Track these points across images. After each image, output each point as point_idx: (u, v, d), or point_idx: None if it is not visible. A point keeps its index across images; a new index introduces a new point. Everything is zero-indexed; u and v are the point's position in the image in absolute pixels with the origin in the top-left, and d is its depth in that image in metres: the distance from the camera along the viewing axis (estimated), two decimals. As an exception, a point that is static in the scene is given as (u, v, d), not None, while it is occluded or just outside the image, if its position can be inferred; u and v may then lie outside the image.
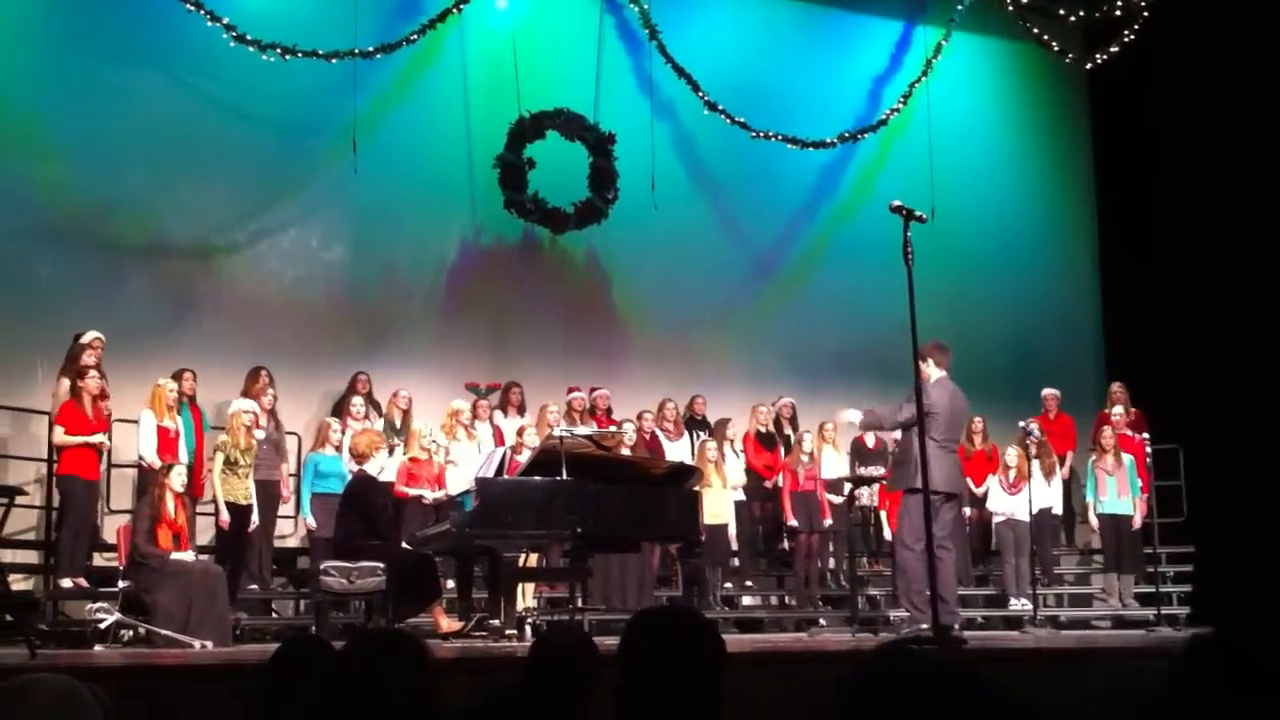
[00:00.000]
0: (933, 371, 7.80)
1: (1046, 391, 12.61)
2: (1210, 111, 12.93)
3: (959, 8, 13.97)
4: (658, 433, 11.40)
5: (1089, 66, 14.44)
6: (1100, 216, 15.05)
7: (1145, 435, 11.76)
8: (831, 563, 11.82)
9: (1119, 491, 11.33)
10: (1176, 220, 13.13)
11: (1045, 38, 14.29)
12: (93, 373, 9.23)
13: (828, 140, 13.54)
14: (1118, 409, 11.99)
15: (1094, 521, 11.60)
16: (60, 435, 9.07)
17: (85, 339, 9.53)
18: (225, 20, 10.88)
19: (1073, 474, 12.37)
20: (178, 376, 9.90)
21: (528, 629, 7.93)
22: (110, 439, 9.55)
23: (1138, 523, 11.40)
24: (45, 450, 9.68)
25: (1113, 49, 14.07)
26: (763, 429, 11.85)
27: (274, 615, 10.38)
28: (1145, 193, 13.64)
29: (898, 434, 8.51)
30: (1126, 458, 11.41)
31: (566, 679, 3.13)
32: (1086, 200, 15.18)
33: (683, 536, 8.95)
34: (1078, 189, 15.19)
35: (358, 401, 10.55)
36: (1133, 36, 13.87)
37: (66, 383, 9.34)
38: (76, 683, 2.31)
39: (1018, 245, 14.40)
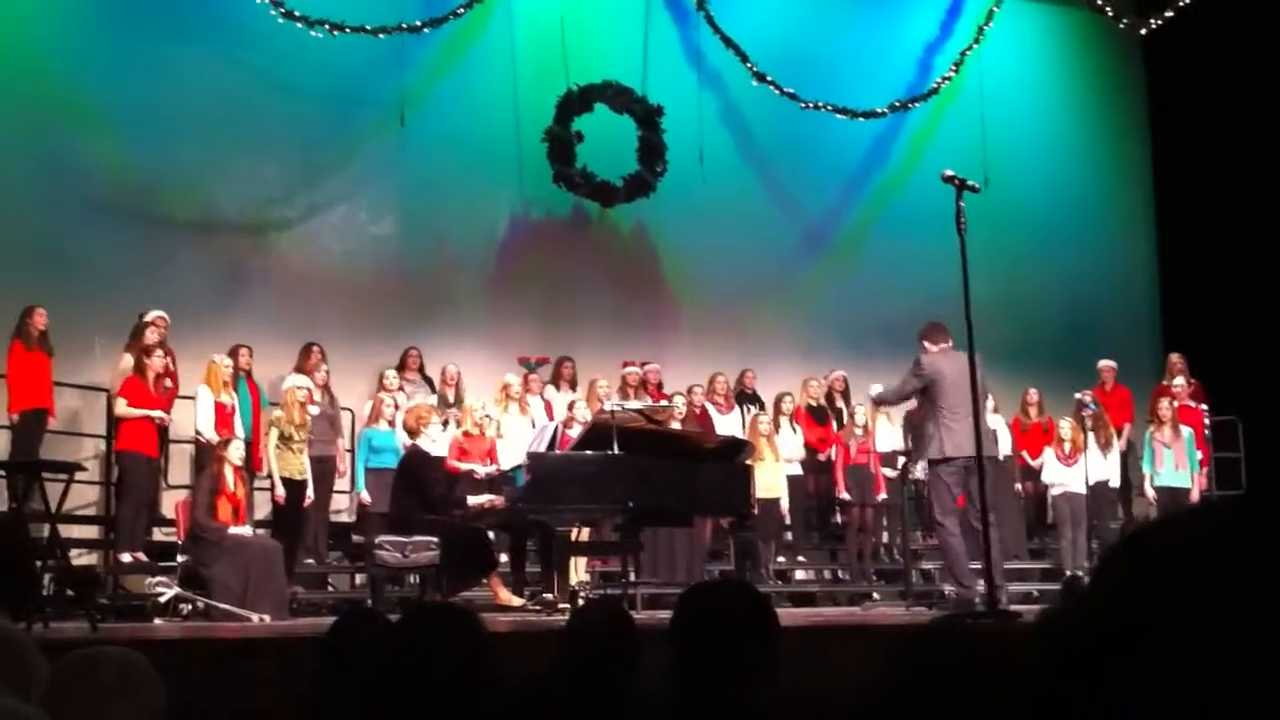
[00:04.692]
0: (930, 348, 7.97)
1: (1103, 363, 12.45)
2: (1267, 75, 12.68)
3: (1011, -27, 13.80)
4: (708, 407, 11.37)
5: (1144, 31, 14.19)
6: (1156, 185, 14.83)
7: (1204, 407, 11.60)
8: (885, 537, 11.76)
9: (1176, 464, 11.18)
10: (1234, 188, 12.91)
11: (1099, 2, 14.05)
12: (158, 352, 9.35)
13: (878, 110, 13.42)
14: (1178, 380, 11.82)
15: (1151, 494, 11.46)
16: (122, 406, 9.17)
17: (148, 317, 9.66)
18: (273, -3, 10.94)
19: (1130, 446, 12.22)
20: (234, 353, 10.00)
21: (580, 602, 7.96)
22: (170, 416, 9.68)
23: (1196, 496, 11.26)
24: (104, 426, 9.81)
25: (1168, 13, 13.82)
26: (814, 402, 11.79)
27: (330, 589, 10.47)
28: (1202, 160, 13.41)
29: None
30: (1185, 430, 11.26)
31: (604, 653, 3.13)
32: (1142, 168, 14.96)
33: (734, 510, 8.95)
34: (1133, 157, 14.97)
35: (390, 374, 10.60)
36: (1187, 0, 13.62)
37: (129, 358, 9.46)
38: (140, 656, 2.34)
39: (1072, 215, 14.21)
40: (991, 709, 1.73)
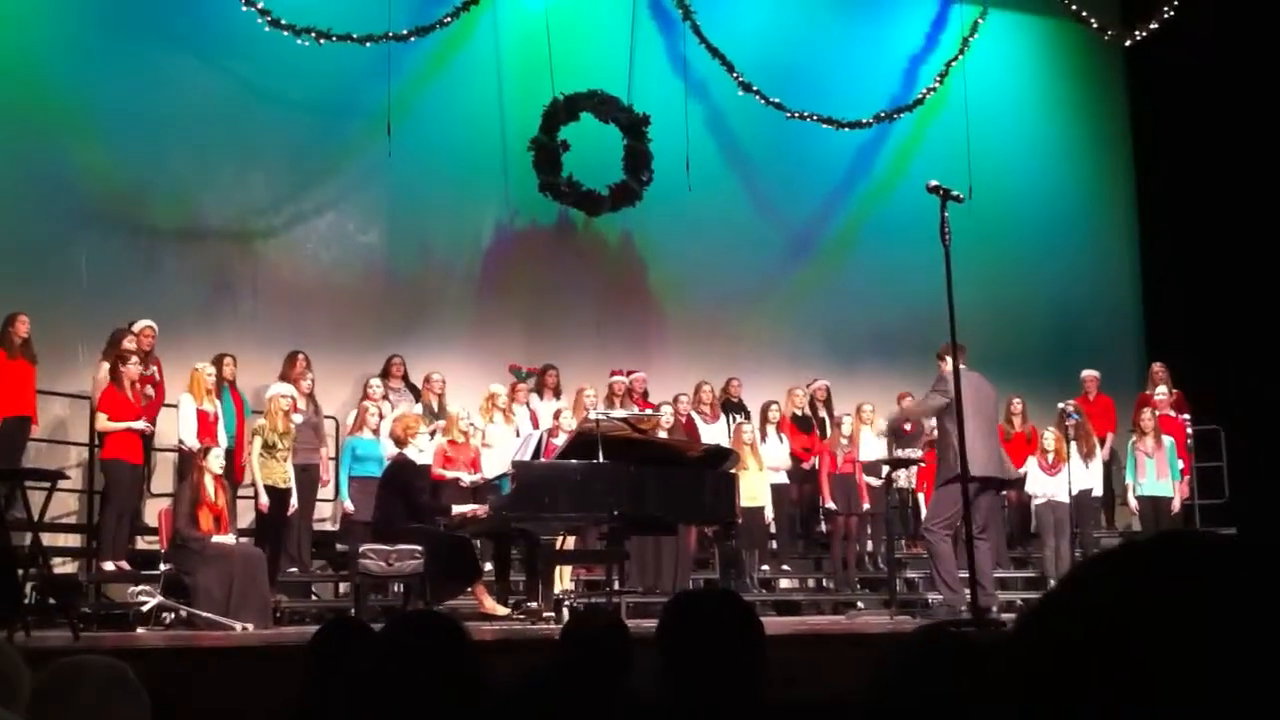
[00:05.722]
0: (949, 366, 8.00)
1: (1086, 373, 12.51)
2: (1250, 88, 12.77)
3: (996, -15, 13.88)
4: (694, 415, 11.38)
5: (1128, 43, 14.27)
6: (1140, 195, 14.90)
7: (1186, 416, 11.65)
8: (869, 545, 11.78)
9: (1158, 473, 11.22)
10: (1216, 198, 12.98)
11: (1083, 14, 14.13)
12: (134, 359, 9.31)
13: (864, 120, 13.46)
14: (1160, 389, 11.87)
15: (1133, 504, 11.51)
16: (103, 421, 9.15)
17: (137, 327, 9.65)
18: (259, 5, 10.92)
19: (1113, 455, 12.27)
20: (218, 361, 9.97)
21: (565, 611, 7.95)
22: (155, 424, 9.64)
23: (1178, 505, 11.30)
24: (87, 434, 9.78)
25: (1152, 25, 13.90)
26: (799, 411, 11.82)
27: (313, 597, 10.45)
28: (1185, 171, 13.49)
29: (933, 421, 8.67)
30: (1167, 439, 11.31)
31: (599, 659, 3.14)
32: (1126, 179, 15.03)
33: (719, 519, 8.95)
34: (1117, 167, 15.04)
35: (375, 382, 10.59)
36: (1172, 12, 13.70)
37: (106, 367, 9.43)
38: (123, 665, 2.33)
39: (1056, 225, 14.27)
40: (976, 717, 1.73)
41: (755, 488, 10.82)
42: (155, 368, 9.80)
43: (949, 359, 8.09)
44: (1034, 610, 0.86)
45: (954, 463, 7.73)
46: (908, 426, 11.53)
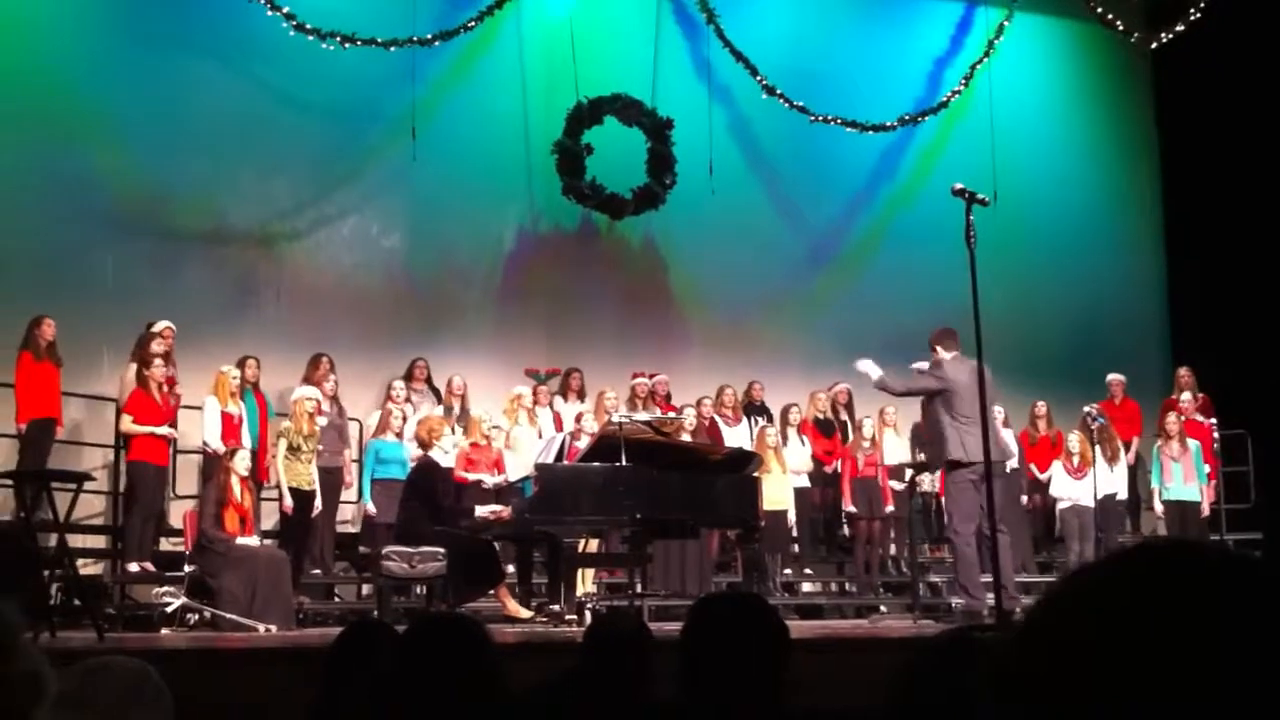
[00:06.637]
0: (943, 354, 8.00)
1: (1112, 376, 12.44)
2: (1277, 89, 12.66)
3: (1021, -13, 13.82)
4: (716, 419, 11.36)
5: (1154, 46, 14.18)
6: (1165, 198, 14.81)
7: (1213, 420, 11.58)
8: (893, 549, 11.74)
9: (1185, 478, 11.14)
10: (1242, 202, 12.88)
11: (1109, 17, 14.05)
12: (158, 360, 9.36)
13: (887, 123, 13.41)
14: (1186, 394, 11.80)
15: (1159, 508, 11.43)
16: (128, 424, 9.19)
17: (156, 328, 9.69)
18: (285, 9, 10.96)
19: (1139, 460, 12.19)
20: (241, 363, 10.02)
21: (587, 614, 7.95)
22: (176, 427, 9.68)
23: (1205, 509, 11.22)
24: (113, 436, 9.83)
25: (1178, 28, 13.82)
26: (821, 415, 11.78)
27: (336, 599, 10.48)
28: (1211, 174, 13.39)
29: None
30: (1193, 443, 11.22)
31: (622, 663, 3.13)
32: (1151, 182, 14.94)
33: (742, 522, 8.94)
34: (1143, 171, 14.95)
35: (398, 385, 10.61)
36: (1198, 15, 13.61)
37: (134, 369, 9.48)
38: (147, 666, 2.34)
39: (1082, 228, 14.19)
40: (985, 715, 1.72)
41: (778, 491, 10.79)
42: (174, 369, 9.85)
43: (940, 348, 8.14)
44: (1039, 610, 0.86)
45: (947, 449, 7.78)
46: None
